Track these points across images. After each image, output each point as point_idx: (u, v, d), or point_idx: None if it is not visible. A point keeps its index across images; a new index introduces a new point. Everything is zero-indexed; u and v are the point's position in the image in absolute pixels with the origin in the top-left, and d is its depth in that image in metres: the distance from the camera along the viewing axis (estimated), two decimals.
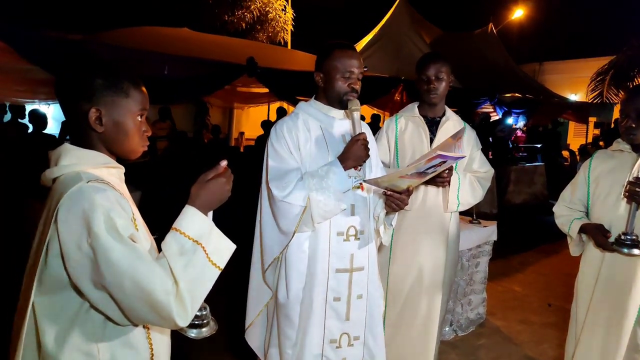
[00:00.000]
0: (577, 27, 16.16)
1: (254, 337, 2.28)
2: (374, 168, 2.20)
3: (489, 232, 3.89)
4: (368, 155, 2.00)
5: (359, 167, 2.06)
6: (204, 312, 1.29)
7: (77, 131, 1.25)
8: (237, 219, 3.25)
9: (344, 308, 2.07)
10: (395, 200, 1.94)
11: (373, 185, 1.97)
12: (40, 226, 1.20)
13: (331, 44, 2.08)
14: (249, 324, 2.25)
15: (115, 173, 1.28)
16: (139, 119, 1.27)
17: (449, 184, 2.45)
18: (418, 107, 2.62)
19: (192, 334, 1.26)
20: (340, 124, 2.12)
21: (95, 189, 1.13)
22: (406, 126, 2.62)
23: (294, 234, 1.99)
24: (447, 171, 2.34)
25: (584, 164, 2.34)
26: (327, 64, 2.04)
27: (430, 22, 11.83)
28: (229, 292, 2.66)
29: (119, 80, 1.23)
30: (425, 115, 2.59)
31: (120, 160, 1.32)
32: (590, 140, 12.28)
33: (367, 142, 1.98)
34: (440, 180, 2.37)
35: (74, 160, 1.20)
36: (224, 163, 1.26)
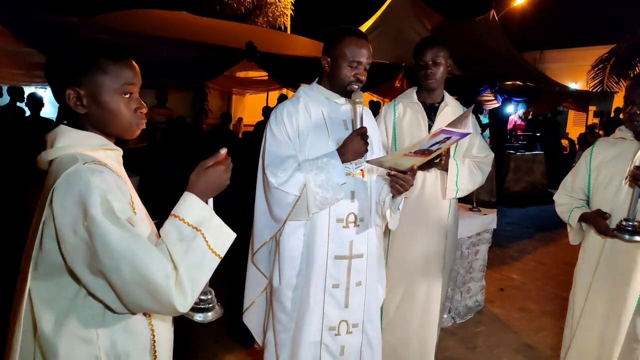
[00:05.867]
0: (579, 15, 16.03)
1: (253, 321, 2.29)
2: (376, 153, 2.16)
3: (488, 220, 3.89)
4: (367, 150, 1.97)
5: None
6: (209, 297, 1.29)
7: (68, 114, 1.22)
8: (236, 205, 3.23)
9: (342, 295, 2.06)
10: (399, 180, 1.88)
11: (376, 165, 1.92)
12: (37, 209, 1.17)
13: (343, 29, 2.03)
14: (246, 307, 2.26)
15: (113, 155, 1.25)
16: (126, 96, 1.22)
17: (446, 165, 2.42)
18: (416, 92, 2.59)
19: (199, 318, 1.26)
20: (342, 109, 2.10)
21: (91, 171, 1.10)
22: (404, 112, 2.59)
23: (285, 221, 1.99)
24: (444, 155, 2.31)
25: (586, 152, 2.32)
26: (335, 49, 2.00)
27: (432, 9, 11.71)
28: (229, 277, 2.66)
29: (94, 56, 1.17)
30: (423, 101, 2.56)
31: (120, 142, 1.28)
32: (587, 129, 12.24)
33: (367, 137, 1.96)
34: (436, 161, 2.33)
35: (70, 142, 1.17)
36: (223, 151, 1.24)
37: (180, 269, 1.09)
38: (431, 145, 1.70)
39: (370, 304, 2.15)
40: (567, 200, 2.35)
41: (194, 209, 1.17)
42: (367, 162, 1.95)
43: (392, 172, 1.87)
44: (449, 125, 1.69)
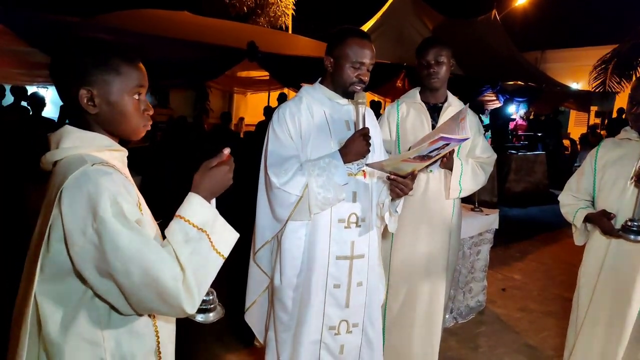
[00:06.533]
0: (580, 15, 16.02)
1: (255, 321, 2.29)
2: (378, 154, 2.17)
3: (490, 220, 3.88)
4: (369, 151, 1.97)
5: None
6: (211, 297, 1.29)
7: (75, 114, 1.21)
8: (238, 205, 3.23)
9: (343, 295, 2.06)
10: (399, 184, 1.90)
11: (376, 169, 1.93)
12: (42, 210, 1.16)
13: (346, 30, 2.02)
14: (248, 306, 2.26)
15: (118, 157, 1.24)
16: (136, 97, 1.22)
17: (450, 164, 2.42)
18: (420, 93, 2.58)
19: (200, 318, 1.27)
20: (345, 109, 2.09)
21: (100, 172, 1.09)
22: (407, 112, 2.58)
23: (286, 221, 1.99)
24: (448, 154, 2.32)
25: (591, 152, 2.31)
26: (338, 50, 1.99)
27: (433, 8, 11.71)
28: (231, 277, 2.65)
29: (108, 57, 1.17)
30: (427, 101, 2.55)
31: (122, 142, 1.28)
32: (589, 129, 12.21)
33: (369, 137, 1.95)
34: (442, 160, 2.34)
35: (77, 143, 1.16)
36: (227, 151, 1.24)
37: (187, 270, 1.10)
38: (430, 152, 1.71)
39: (372, 304, 2.15)
40: (572, 201, 2.34)
41: (199, 210, 1.17)
42: (368, 165, 1.96)
43: (392, 177, 1.88)
44: (447, 129, 1.69)
